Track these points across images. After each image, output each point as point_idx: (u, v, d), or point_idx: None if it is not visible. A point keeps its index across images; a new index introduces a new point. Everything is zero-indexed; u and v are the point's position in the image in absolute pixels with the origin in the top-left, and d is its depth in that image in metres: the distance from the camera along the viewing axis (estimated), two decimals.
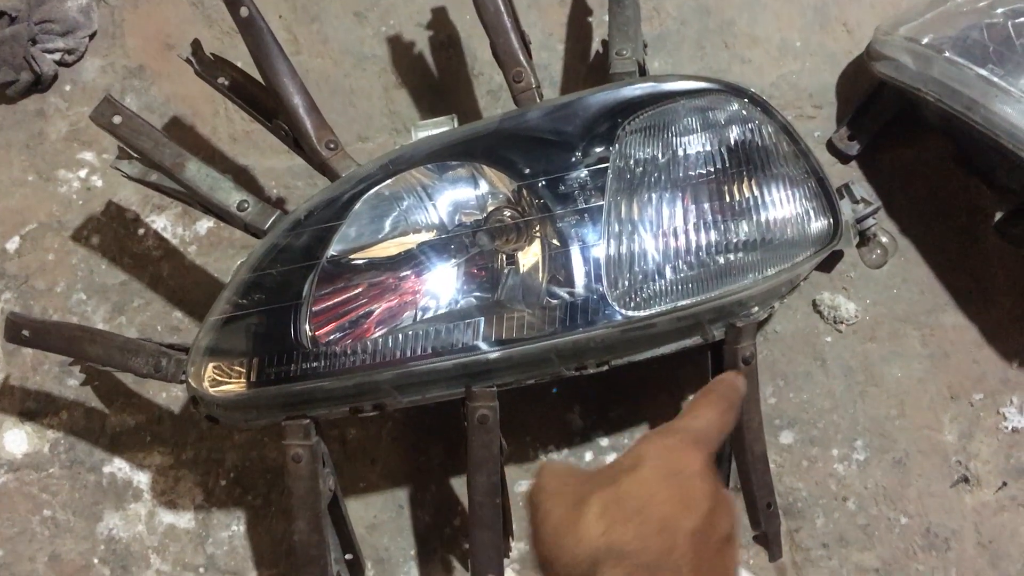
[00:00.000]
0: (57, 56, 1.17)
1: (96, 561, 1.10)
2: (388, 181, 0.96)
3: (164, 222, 1.16)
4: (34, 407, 1.13)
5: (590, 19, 1.22)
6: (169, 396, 1.12)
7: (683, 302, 0.90)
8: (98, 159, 1.17)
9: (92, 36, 1.20)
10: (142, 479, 1.11)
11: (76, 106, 1.19)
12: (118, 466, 1.12)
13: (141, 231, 1.16)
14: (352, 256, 0.95)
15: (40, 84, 1.17)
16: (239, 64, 1.04)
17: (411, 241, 0.96)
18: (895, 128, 1.16)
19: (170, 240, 1.16)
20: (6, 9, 1.17)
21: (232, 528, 1.10)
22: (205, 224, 1.16)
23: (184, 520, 1.11)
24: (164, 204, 1.16)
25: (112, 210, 1.16)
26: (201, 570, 1.09)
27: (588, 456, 1.11)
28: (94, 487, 1.11)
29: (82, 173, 1.17)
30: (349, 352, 0.90)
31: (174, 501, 1.11)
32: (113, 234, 1.16)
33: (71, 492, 1.11)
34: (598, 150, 0.94)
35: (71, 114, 1.18)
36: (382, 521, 1.11)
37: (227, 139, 1.18)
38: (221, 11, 1.20)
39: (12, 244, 1.16)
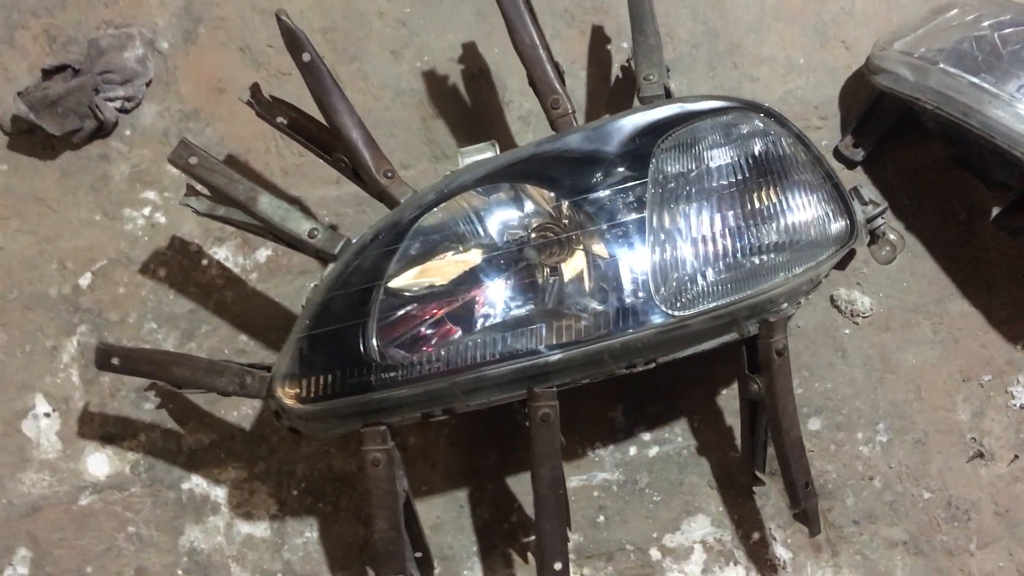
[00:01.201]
0: (118, 104, 1.26)
1: (180, 572, 1.17)
2: (443, 204, 1.05)
3: (225, 252, 1.24)
4: (114, 431, 1.20)
5: (609, 47, 1.32)
6: (240, 415, 1.20)
7: (722, 301, 0.99)
8: (160, 197, 1.25)
9: (149, 83, 1.28)
10: (219, 493, 1.19)
11: (137, 149, 1.27)
12: (196, 482, 1.19)
13: (204, 262, 1.24)
14: (415, 274, 1.03)
15: (103, 130, 1.26)
16: None
17: (466, 258, 1.04)
18: (896, 134, 1.26)
19: (232, 269, 1.24)
20: (70, 63, 1.25)
21: (306, 535, 1.18)
22: (264, 253, 1.24)
23: (260, 529, 1.18)
24: (224, 236, 1.24)
25: (176, 244, 1.24)
26: (279, 575, 1.17)
27: (632, 451, 1.20)
28: (174, 503, 1.19)
29: (146, 211, 1.25)
30: (423, 362, 0.98)
31: (250, 512, 1.19)
32: (178, 266, 1.24)
33: (153, 509, 1.19)
34: (633, 167, 1.03)
35: (132, 156, 1.27)
36: (444, 521, 1.19)
37: (279, 172, 1.26)
38: (267, 55, 1.30)
39: (85, 280, 1.24)
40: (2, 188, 1.26)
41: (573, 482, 1.19)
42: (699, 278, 1.00)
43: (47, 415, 1.20)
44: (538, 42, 1.10)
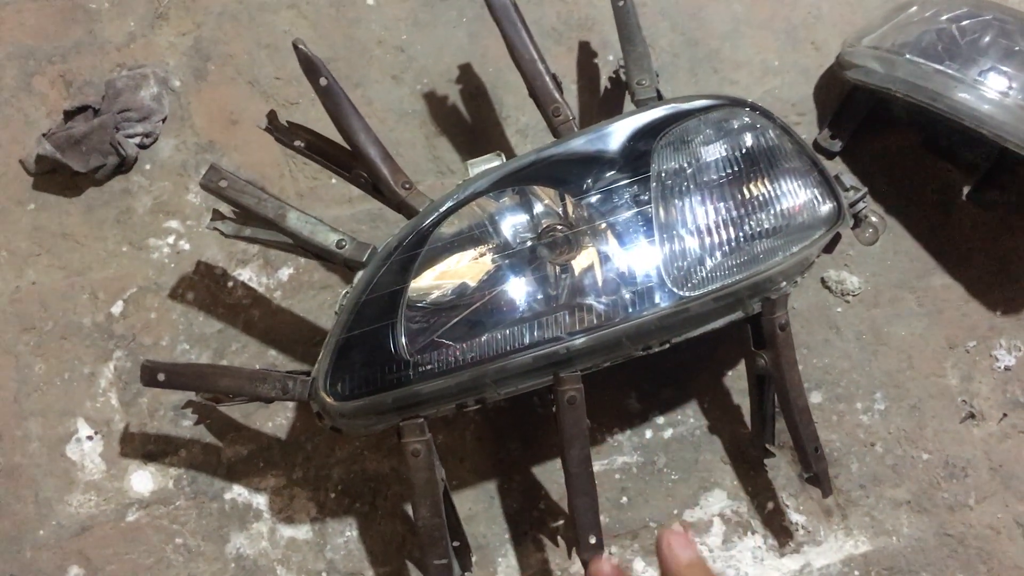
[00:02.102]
0: (137, 140, 1.32)
1: None
2: (459, 211, 1.12)
3: (249, 273, 1.31)
4: (155, 449, 1.25)
5: (595, 60, 1.41)
6: (275, 425, 1.26)
7: (727, 281, 1.07)
8: (183, 226, 1.32)
9: (164, 120, 1.35)
10: (260, 501, 1.24)
11: (157, 182, 1.33)
12: (237, 492, 1.25)
13: (230, 284, 1.30)
14: (437, 276, 1.10)
15: (124, 165, 1.32)
16: None
17: (484, 259, 1.11)
18: (870, 125, 1.36)
19: (257, 289, 1.30)
20: (89, 104, 1.32)
21: (346, 534, 1.23)
22: (286, 271, 1.31)
23: (302, 532, 1.24)
24: (247, 258, 1.31)
25: (202, 268, 1.30)
26: (323, 574, 1.22)
27: (648, 434, 1.27)
28: (218, 513, 1.24)
29: (170, 240, 1.32)
30: (454, 355, 1.05)
31: (291, 517, 1.24)
32: (206, 289, 1.30)
33: (198, 520, 1.24)
34: (634, 165, 1.11)
35: (153, 189, 1.33)
36: (476, 512, 1.25)
37: (295, 195, 1.33)
38: (275, 87, 1.37)
39: (117, 308, 1.29)
40: (31, 226, 1.32)
41: (596, 467, 1.24)
42: (706, 261, 1.07)
43: (89, 438, 1.26)
44: (536, 57, 1.18)
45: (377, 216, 1.33)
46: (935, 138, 1.35)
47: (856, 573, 1.23)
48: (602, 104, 1.39)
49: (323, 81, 1.14)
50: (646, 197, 1.10)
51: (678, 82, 1.40)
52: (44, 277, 1.31)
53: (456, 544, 1.16)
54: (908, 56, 1.25)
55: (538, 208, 1.13)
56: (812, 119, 1.39)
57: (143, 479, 1.25)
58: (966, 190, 1.34)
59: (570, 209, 1.12)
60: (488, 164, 1.16)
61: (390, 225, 1.32)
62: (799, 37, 1.42)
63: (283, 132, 1.19)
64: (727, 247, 1.08)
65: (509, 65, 1.19)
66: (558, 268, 1.10)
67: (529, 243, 1.10)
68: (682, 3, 1.43)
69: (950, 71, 1.23)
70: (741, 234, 1.09)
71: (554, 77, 1.19)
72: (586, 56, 1.41)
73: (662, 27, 1.42)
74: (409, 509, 1.22)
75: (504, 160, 1.17)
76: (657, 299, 1.06)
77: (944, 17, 1.29)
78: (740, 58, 1.42)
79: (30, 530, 1.23)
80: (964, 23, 1.28)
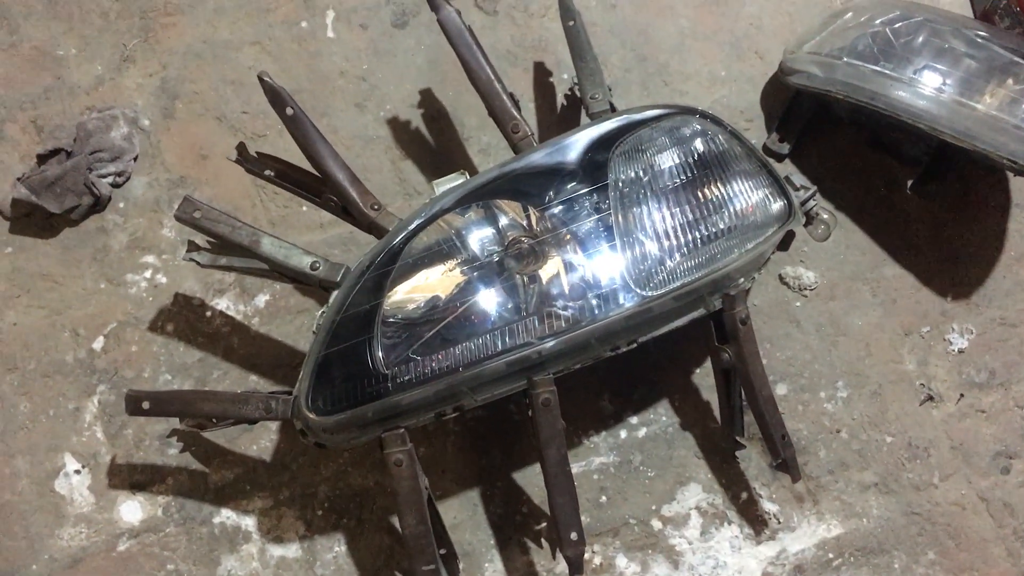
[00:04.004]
0: (110, 179, 1.36)
1: None
2: (427, 228, 1.16)
3: (227, 302, 1.34)
4: (142, 479, 1.28)
5: (551, 79, 1.46)
6: (259, 448, 1.29)
7: (687, 279, 1.12)
8: (159, 260, 1.35)
9: (136, 158, 1.39)
10: (249, 522, 1.27)
11: (132, 219, 1.37)
12: (226, 515, 1.27)
13: (208, 313, 1.34)
14: (410, 291, 1.14)
15: (98, 205, 1.35)
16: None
17: (454, 273, 1.15)
18: (815, 127, 1.42)
19: (235, 316, 1.34)
20: (62, 146, 1.35)
21: (335, 549, 1.26)
22: (263, 298, 1.34)
23: (292, 551, 1.26)
24: (223, 288, 1.34)
25: (180, 300, 1.34)
26: None
27: (623, 434, 1.31)
28: (208, 537, 1.26)
29: (147, 274, 1.35)
30: (429, 365, 1.09)
31: (280, 536, 1.27)
32: (184, 320, 1.33)
33: (188, 545, 1.26)
34: (593, 175, 1.16)
35: (128, 226, 1.37)
36: (461, 520, 1.28)
37: (267, 224, 1.37)
38: (242, 121, 1.42)
39: (98, 344, 1.32)
40: (9, 269, 1.35)
41: (574, 469, 1.28)
42: (666, 262, 1.13)
43: (77, 472, 1.28)
44: (493, 77, 1.24)
45: (349, 240, 1.37)
46: (878, 136, 1.41)
47: (830, 556, 1.28)
48: (560, 121, 1.45)
49: (289, 110, 1.18)
50: (606, 205, 1.15)
51: (631, 96, 1.46)
52: (25, 318, 1.33)
53: (443, 552, 1.19)
54: (846, 59, 1.32)
55: (503, 221, 1.17)
56: (760, 124, 1.45)
57: (132, 509, 1.27)
58: (910, 183, 1.40)
59: (534, 220, 1.17)
60: (453, 182, 1.21)
61: (361, 248, 1.36)
62: (743, 48, 1.48)
63: (253, 163, 1.23)
64: (685, 248, 1.14)
65: (468, 88, 1.24)
66: (526, 278, 1.15)
67: (497, 255, 1.15)
68: (630, 21, 1.49)
69: (886, 71, 1.29)
70: (698, 235, 1.14)
71: (511, 96, 1.24)
72: (542, 75, 1.47)
73: (612, 44, 1.48)
74: (395, 520, 1.25)
75: (468, 178, 1.21)
76: (621, 300, 1.11)
77: (878, 21, 1.36)
78: (688, 70, 1.48)
79: (23, 566, 1.25)
80: (897, 25, 1.35)
